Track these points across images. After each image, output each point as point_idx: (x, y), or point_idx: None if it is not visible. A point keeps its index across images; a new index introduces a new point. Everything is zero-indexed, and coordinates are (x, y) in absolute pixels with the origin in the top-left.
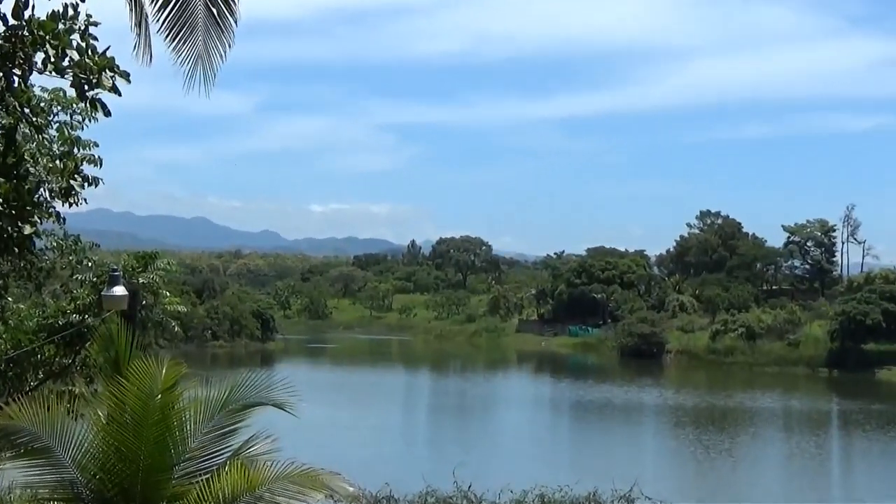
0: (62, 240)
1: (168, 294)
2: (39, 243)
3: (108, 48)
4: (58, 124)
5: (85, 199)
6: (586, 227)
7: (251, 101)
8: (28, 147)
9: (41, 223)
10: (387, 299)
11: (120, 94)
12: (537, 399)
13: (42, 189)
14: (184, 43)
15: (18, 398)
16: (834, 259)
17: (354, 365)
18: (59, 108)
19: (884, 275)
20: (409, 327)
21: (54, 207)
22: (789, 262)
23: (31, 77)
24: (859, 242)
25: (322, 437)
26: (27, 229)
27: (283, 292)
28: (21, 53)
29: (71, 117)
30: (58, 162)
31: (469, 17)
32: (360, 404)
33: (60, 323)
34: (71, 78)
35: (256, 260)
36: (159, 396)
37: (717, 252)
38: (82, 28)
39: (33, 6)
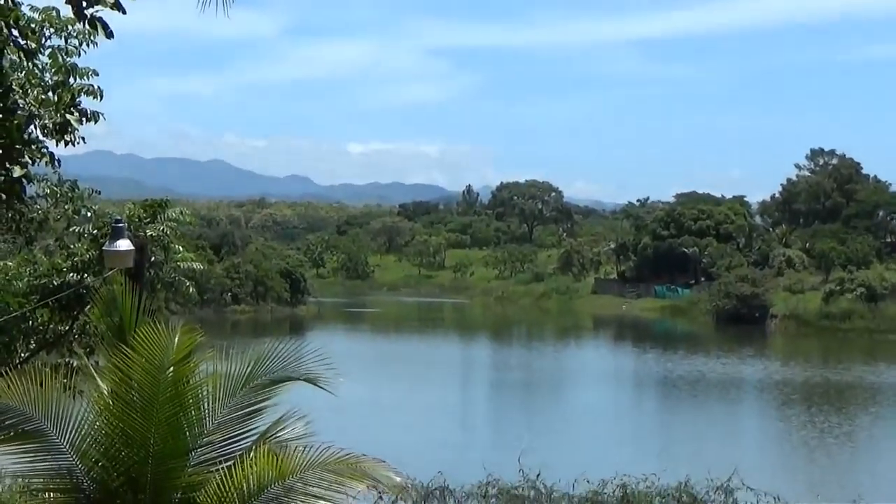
0: (57, 186)
1: (181, 249)
2: (30, 189)
3: None
4: (51, 49)
5: (83, 138)
6: (675, 169)
7: (278, 23)
8: (16, 76)
9: (32, 165)
10: (438, 255)
11: (124, 12)
12: (617, 373)
13: (33, 125)
14: None
15: (7, 372)
16: None
17: (400, 333)
18: (53, 30)
19: None
20: (465, 288)
21: (47, 147)
22: None
23: None
24: None
25: (363, 418)
26: (16, 171)
27: (315, 248)
28: None
29: (66, 41)
30: (51, 94)
31: None
32: (408, 380)
33: (55, 283)
34: None
35: (284, 210)
36: (171, 370)
37: (831, 198)
38: None
39: None
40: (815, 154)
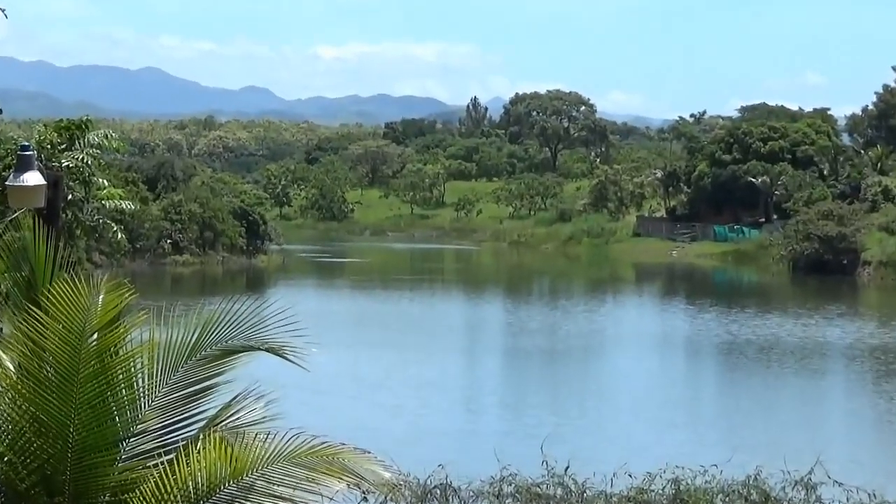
0: None
1: (106, 184)
2: None
3: None
4: None
5: None
6: (739, 74)
7: None
8: None
9: None
10: (436, 189)
11: None
12: (667, 338)
13: None
14: None
15: None
16: None
17: (388, 289)
18: None
19: None
20: (471, 231)
21: None
22: None
23: None
24: None
25: (342, 398)
26: None
27: (278, 180)
28: None
29: None
30: None
31: None
32: (399, 349)
33: None
34: None
35: (238, 131)
36: (95, 337)
37: None
38: None
39: None
40: None
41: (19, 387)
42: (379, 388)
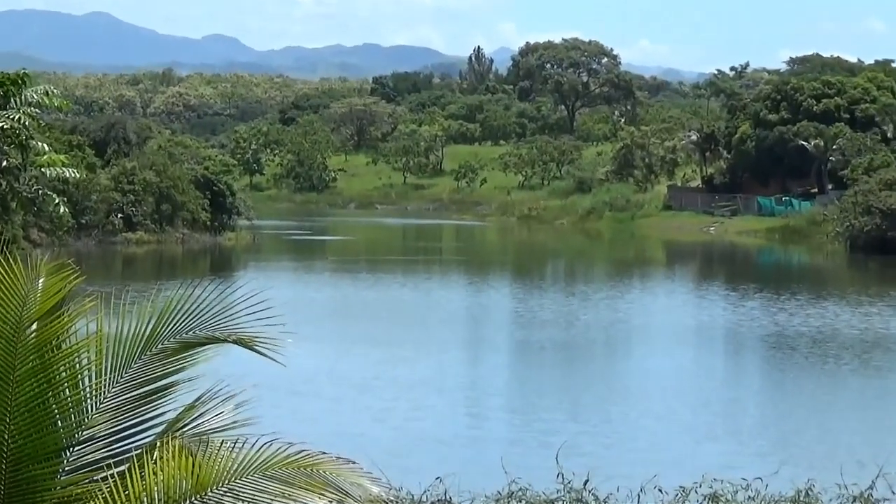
0: None
1: (47, 149)
2: None
3: None
4: None
5: None
6: (787, 20)
7: None
8: None
9: None
10: (433, 154)
11: None
12: (703, 330)
13: None
14: None
15: None
16: None
17: (377, 272)
18: None
19: None
20: (474, 203)
21: None
22: None
23: None
24: None
25: (323, 399)
26: None
27: (248, 144)
28: None
29: None
30: None
31: None
32: (389, 343)
33: None
34: None
35: (201, 87)
36: (34, 328)
37: None
38: None
39: None
40: None
41: None
42: (366, 388)
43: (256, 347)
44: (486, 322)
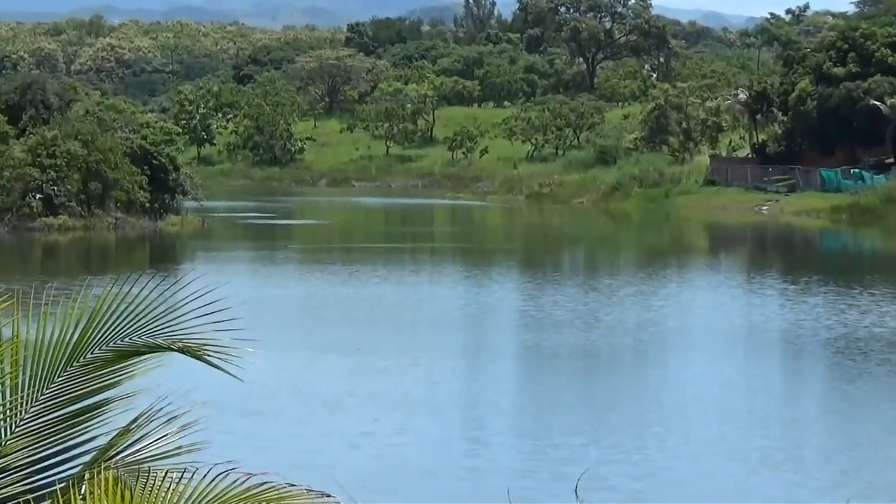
0: None
1: None
2: None
3: None
4: None
5: None
6: None
7: None
8: None
9: None
10: (422, 119)
11: None
12: (754, 333)
13: None
14: None
15: None
16: None
17: (353, 264)
18: None
19: None
20: (472, 179)
21: None
22: None
23: None
24: None
25: (288, 420)
26: None
27: (195, 107)
28: None
29: None
30: None
31: None
32: (368, 351)
33: None
34: None
35: (137, 38)
36: None
37: None
38: None
39: None
40: None
41: None
42: (338, 406)
43: (207, 357)
44: (488, 324)
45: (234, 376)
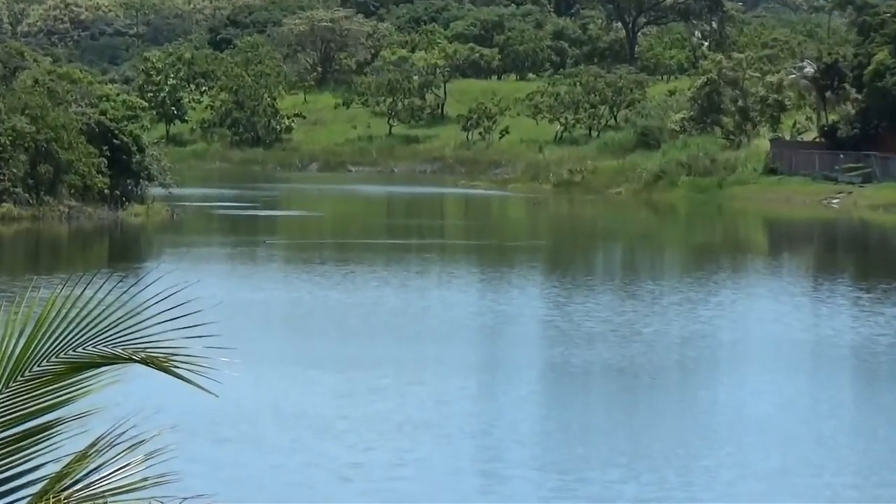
0: None
1: None
2: None
3: None
4: None
5: None
6: None
7: None
8: None
9: None
10: (432, 93)
11: None
12: (821, 348)
13: None
14: None
15: None
16: None
17: (348, 264)
18: None
19: None
20: (490, 164)
21: None
22: None
23: None
24: None
25: (269, 447)
26: None
27: (164, 78)
28: None
29: None
30: None
31: None
32: (363, 367)
33: None
34: None
35: None
36: None
37: None
38: None
39: None
40: None
41: None
42: (327, 431)
43: (175, 370)
44: (507, 336)
45: (207, 390)
